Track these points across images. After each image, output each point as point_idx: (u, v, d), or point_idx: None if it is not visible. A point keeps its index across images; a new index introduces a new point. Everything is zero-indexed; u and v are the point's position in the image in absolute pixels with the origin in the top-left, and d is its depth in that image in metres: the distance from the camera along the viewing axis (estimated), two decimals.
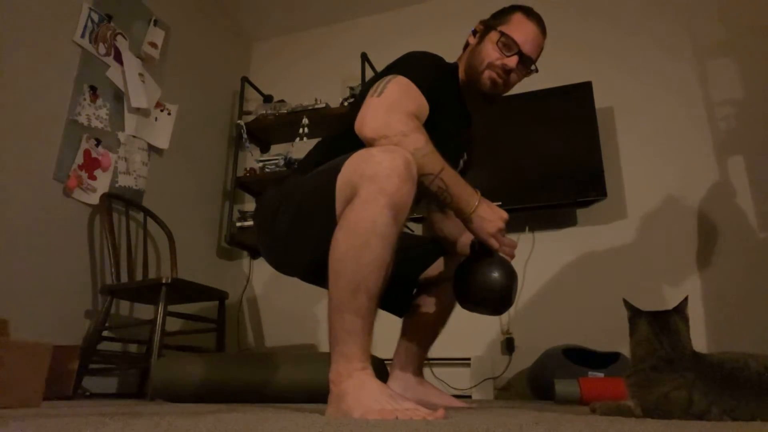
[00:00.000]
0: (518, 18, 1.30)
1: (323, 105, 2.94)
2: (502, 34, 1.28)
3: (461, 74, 1.37)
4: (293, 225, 1.12)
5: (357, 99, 1.25)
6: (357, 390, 0.85)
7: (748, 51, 2.47)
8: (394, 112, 1.05)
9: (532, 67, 1.33)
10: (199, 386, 1.64)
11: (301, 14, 3.33)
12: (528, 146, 2.50)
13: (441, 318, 1.51)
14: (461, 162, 1.46)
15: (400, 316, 1.52)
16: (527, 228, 2.54)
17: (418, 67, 1.18)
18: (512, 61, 1.27)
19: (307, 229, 1.08)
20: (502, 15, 1.34)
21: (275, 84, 3.35)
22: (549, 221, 2.53)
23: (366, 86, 1.22)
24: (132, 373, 2.33)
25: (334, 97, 3.06)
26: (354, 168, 0.96)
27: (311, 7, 3.27)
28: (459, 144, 1.42)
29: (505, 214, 1.15)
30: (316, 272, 1.11)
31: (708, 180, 2.39)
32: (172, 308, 2.09)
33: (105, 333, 2.04)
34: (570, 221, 2.54)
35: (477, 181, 1.50)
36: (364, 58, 2.90)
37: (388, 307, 1.47)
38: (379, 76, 1.20)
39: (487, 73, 1.29)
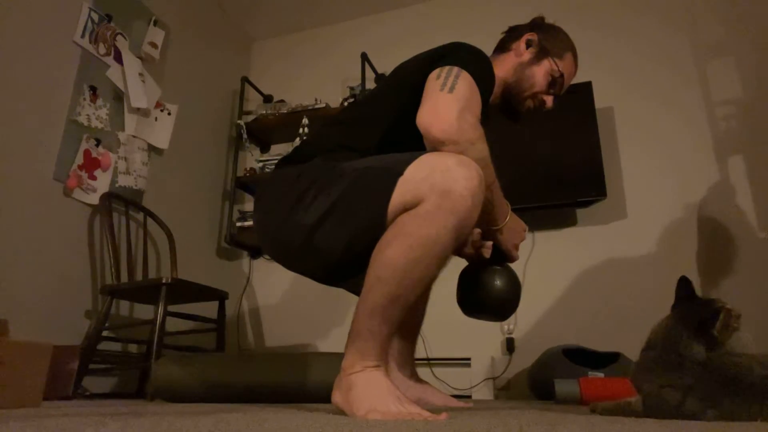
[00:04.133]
0: (570, 59, 1.31)
1: (323, 105, 2.94)
2: (560, 72, 1.28)
3: (499, 79, 1.29)
4: (326, 219, 1.00)
5: (392, 81, 1.18)
6: (367, 386, 0.85)
7: (748, 51, 2.47)
8: (466, 116, 0.97)
9: None
10: (199, 386, 1.64)
11: (301, 14, 3.33)
12: (528, 146, 2.50)
13: (421, 307, 1.51)
14: None
15: None
16: (527, 228, 2.53)
17: (479, 67, 1.09)
18: (550, 101, 1.29)
19: (344, 227, 0.98)
20: (557, 43, 1.29)
21: (275, 84, 3.35)
22: (549, 221, 2.53)
23: (408, 67, 1.14)
24: (132, 373, 2.33)
25: (334, 97, 3.06)
26: (424, 176, 0.89)
27: (311, 7, 3.27)
28: None
29: (526, 226, 1.20)
30: (334, 272, 1.06)
31: (708, 180, 2.39)
32: (172, 308, 2.09)
33: (105, 333, 2.04)
34: (570, 221, 2.54)
35: None
36: (364, 58, 2.90)
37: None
38: (428, 58, 1.11)
39: (529, 101, 1.30)
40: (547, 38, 1.30)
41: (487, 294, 1.21)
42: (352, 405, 0.84)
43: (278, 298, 2.92)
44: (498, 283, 1.20)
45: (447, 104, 0.97)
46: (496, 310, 1.23)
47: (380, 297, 0.87)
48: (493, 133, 1.63)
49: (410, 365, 1.51)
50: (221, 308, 2.32)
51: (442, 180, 0.87)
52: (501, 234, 1.15)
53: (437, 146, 0.95)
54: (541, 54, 1.28)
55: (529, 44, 1.30)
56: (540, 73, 1.28)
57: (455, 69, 1.02)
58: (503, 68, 1.30)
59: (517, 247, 1.20)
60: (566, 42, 1.32)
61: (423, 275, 0.87)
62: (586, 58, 2.69)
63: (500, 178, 1.09)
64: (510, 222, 1.15)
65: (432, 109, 0.97)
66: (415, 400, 1.42)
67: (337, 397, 0.90)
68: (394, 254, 0.87)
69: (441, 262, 0.89)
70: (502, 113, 1.34)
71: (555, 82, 1.29)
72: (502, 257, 1.21)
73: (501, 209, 1.13)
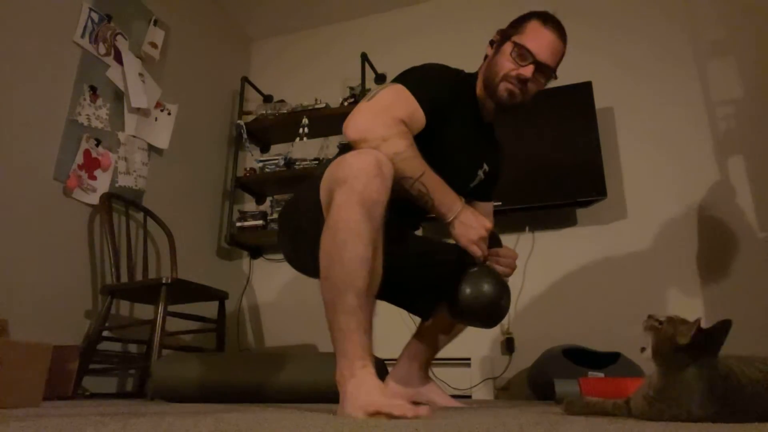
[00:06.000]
0: (533, 26, 1.27)
1: (323, 105, 2.94)
2: (516, 44, 1.25)
3: (479, 86, 1.35)
4: (297, 231, 1.20)
5: None
6: (356, 388, 0.86)
7: (748, 51, 2.47)
8: (379, 117, 1.09)
9: (552, 74, 1.30)
10: (199, 386, 1.64)
11: (301, 14, 3.33)
12: (528, 146, 2.50)
13: (457, 327, 1.50)
14: (480, 173, 1.43)
15: (424, 320, 1.49)
16: (527, 228, 2.54)
17: (419, 78, 1.20)
18: (527, 71, 1.25)
19: (305, 234, 1.14)
20: (518, 24, 1.30)
21: (275, 84, 3.35)
22: (549, 221, 2.53)
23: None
24: (132, 373, 2.33)
25: (334, 97, 3.06)
26: (330, 174, 1.01)
27: (311, 7, 3.27)
28: (474, 155, 1.40)
29: (488, 224, 1.14)
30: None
31: (708, 180, 2.39)
32: (172, 308, 2.09)
33: (105, 333, 2.04)
34: (570, 221, 2.54)
35: None
36: (364, 58, 2.90)
37: (413, 309, 1.47)
38: None
39: (503, 85, 1.27)
40: (507, 27, 1.33)
41: (456, 296, 1.19)
42: (343, 409, 0.85)
43: (278, 298, 2.92)
44: (467, 285, 1.17)
45: (361, 109, 1.11)
46: (465, 312, 1.19)
47: (330, 291, 0.92)
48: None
49: (421, 361, 1.50)
50: (221, 308, 2.32)
51: (337, 170, 0.98)
52: (453, 229, 1.14)
53: (354, 146, 1.07)
54: (501, 42, 1.31)
55: (492, 43, 1.36)
56: (502, 58, 1.28)
57: (385, 85, 1.17)
58: (480, 75, 1.36)
59: (476, 243, 1.13)
60: (527, 16, 1.30)
61: (353, 256, 0.91)
62: (586, 58, 2.70)
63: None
64: (461, 216, 1.12)
65: (349, 116, 1.10)
66: (413, 394, 1.43)
67: (340, 410, 0.90)
68: (324, 248, 0.95)
69: (365, 239, 0.92)
70: (501, 111, 1.35)
71: (521, 55, 1.25)
72: (472, 258, 1.17)
73: (444, 203, 1.12)
